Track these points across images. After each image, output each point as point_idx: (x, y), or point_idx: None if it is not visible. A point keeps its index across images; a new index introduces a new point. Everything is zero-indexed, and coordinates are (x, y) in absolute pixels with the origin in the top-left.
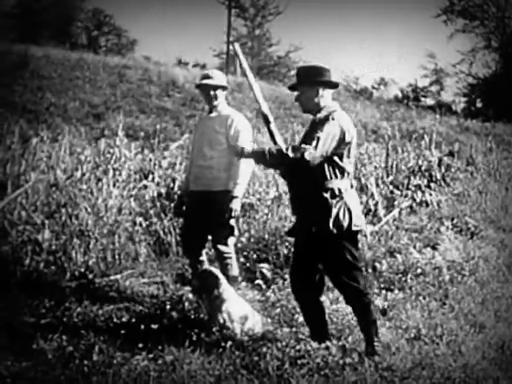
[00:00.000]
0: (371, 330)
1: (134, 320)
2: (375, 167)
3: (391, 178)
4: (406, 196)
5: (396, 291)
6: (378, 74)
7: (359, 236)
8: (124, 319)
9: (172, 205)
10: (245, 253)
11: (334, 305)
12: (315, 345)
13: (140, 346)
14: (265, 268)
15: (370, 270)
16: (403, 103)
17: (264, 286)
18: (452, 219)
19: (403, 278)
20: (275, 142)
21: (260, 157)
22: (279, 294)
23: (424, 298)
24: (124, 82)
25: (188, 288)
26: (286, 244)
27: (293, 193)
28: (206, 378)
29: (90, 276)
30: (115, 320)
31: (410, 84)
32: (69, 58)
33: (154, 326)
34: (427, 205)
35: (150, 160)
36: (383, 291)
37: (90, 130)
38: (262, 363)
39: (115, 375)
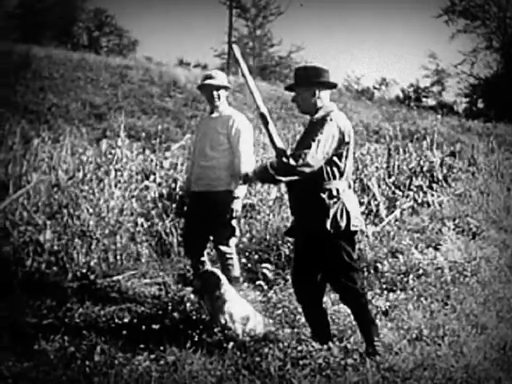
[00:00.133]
0: (370, 330)
1: (135, 320)
2: (377, 168)
3: (393, 178)
4: (407, 196)
5: (398, 292)
6: (380, 75)
7: (361, 237)
8: (126, 320)
9: (174, 205)
10: (246, 253)
11: (336, 305)
12: (317, 345)
13: (142, 346)
14: (266, 269)
15: (371, 271)
16: (405, 103)
17: (266, 287)
18: (454, 220)
19: (405, 279)
20: (274, 143)
21: (264, 174)
22: (281, 295)
23: (426, 299)
24: (126, 82)
25: (190, 289)
26: (288, 245)
27: (291, 193)
28: (208, 379)
29: (92, 277)
30: (117, 320)
31: (412, 84)
32: (70, 59)
33: (156, 327)
34: (429, 205)
35: (152, 160)
36: (385, 292)
37: (92, 131)
38: (263, 364)
39: (117, 376)
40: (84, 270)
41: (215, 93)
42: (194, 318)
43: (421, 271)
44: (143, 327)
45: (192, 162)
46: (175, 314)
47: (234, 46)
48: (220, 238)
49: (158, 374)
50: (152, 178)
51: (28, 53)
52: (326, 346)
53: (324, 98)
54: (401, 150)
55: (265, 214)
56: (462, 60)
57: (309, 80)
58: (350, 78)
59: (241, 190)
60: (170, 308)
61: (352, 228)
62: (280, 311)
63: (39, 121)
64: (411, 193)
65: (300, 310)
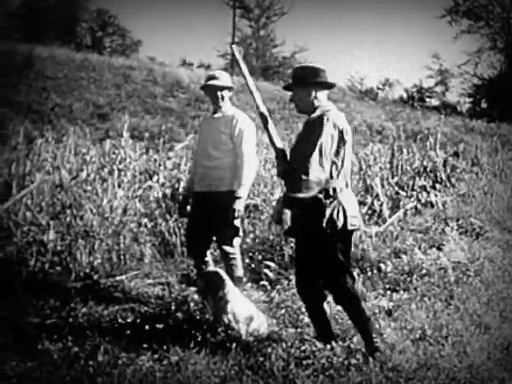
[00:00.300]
0: (367, 328)
1: (139, 320)
2: (380, 168)
3: (396, 178)
4: (411, 197)
5: (401, 292)
6: (380, 75)
7: (364, 237)
8: (129, 320)
9: (177, 205)
10: (250, 254)
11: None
12: (320, 345)
13: (145, 346)
14: (268, 268)
15: (375, 271)
16: (408, 104)
17: (269, 287)
18: (457, 220)
19: (408, 279)
20: (273, 143)
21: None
22: (284, 295)
23: (429, 299)
24: (129, 82)
25: (193, 289)
26: (291, 245)
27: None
28: (211, 379)
29: (95, 277)
30: (120, 320)
31: (415, 85)
32: (74, 59)
33: (159, 327)
34: (432, 205)
35: (155, 161)
36: (388, 292)
37: (95, 131)
38: (267, 364)
39: (120, 376)
40: (87, 270)
41: (219, 93)
42: (198, 318)
43: (424, 271)
44: (147, 327)
45: (195, 162)
46: (179, 314)
47: (234, 47)
48: (223, 238)
49: (162, 374)
50: (155, 178)
51: (31, 53)
52: (329, 346)
53: (321, 97)
54: (404, 150)
55: (268, 214)
56: (466, 60)
57: (306, 80)
58: (354, 78)
59: (243, 191)
60: (173, 308)
61: (349, 227)
62: (283, 311)
63: (42, 121)
64: (414, 193)
65: (303, 309)
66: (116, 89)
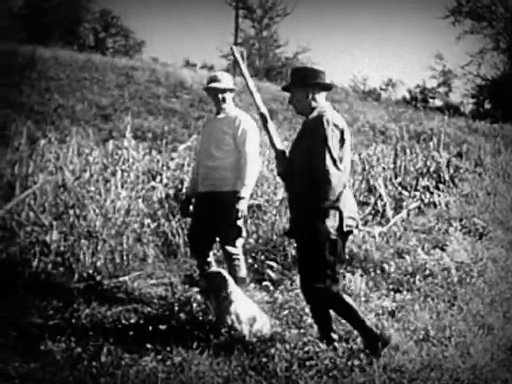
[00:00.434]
0: (359, 324)
1: (142, 321)
2: (383, 168)
3: (399, 179)
4: (414, 197)
5: (404, 292)
6: (383, 75)
7: (367, 237)
8: (132, 320)
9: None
10: (253, 254)
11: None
12: (324, 346)
13: (148, 347)
14: (270, 268)
15: (378, 271)
16: (411, 104)
17: (272, 288)
18: (460, 220)
19: (411, 279)
20: (273, 144)
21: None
22: (287, 296)
23: (432, 300)
24: (132, 83)
25: (196, 289)
26: (294, 245)
27: (289, 194)
28: (215, 379)
29: (98, 277)
30: (123, 321)
31: (418, 85)
32: (76, 60)
33: (163, 327)
34: (435, 206)
35: (158, 161)
36: (391, 292)
37: (98, 132)
38: (270, 364)
39: (123, 376)
40: (90, 271)
41: (220, 96)
42: (201, 318)
43: (427, 272)
44: (150, 328)
45: (197, 163)
46: (182, 315)
47: (234, 48)
48: (226, 239)
49: (165, 375)
50: (158, 178)
51: (34, 53)
52: (332, 347)
53: (319, 99)
54: (407, 150)
55: (271, 214)
56: (469, 61)
57: (304, 81)
58: (356, 78)
59: (246, 191)
60: (176, 309)
61: (345, 228)
62: (286, 312)
63: (45, 121)
64: (418, 193)
65: (306, 310)
66: (119, 89)
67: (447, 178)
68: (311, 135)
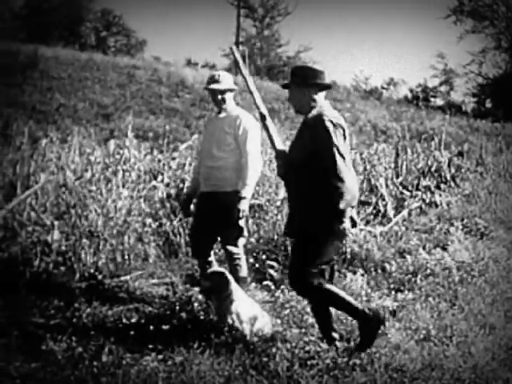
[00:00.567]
0: (352, 310)
1: (143, 321)
2: (385, 168)
3: (401, 178)
4: (415, 197)
5: (405, 292)
6: (383, 75)
7: (368, 237)
8: (133, 320)
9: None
10: (254, 254)
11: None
12: (325, 346)
13: (149, 346)
14: (272, 267)
15: (379, 271)
16: (413, 103)
17: (273, 287)
18: (462, 220)
19: (413, 279)
20: (273, 144)
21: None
22: (288, 295)
23: (433, 299)
24: (133, 82)
25: (197, 289)
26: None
27: (290, 194)
28: (216, 379)
29: (100, 277)
30: (124, 321)
31: (420, 84)
32: (78, 59)
33: (164, 327)
34: (437, 205)
35: (160, 161)
36: (393, 292)
37: (100, 131)
38: (271, 364)
39: (125, 376)
40: (92, 270)
41: (219, 96)
42: (202, 318)
43: (428, 271)
44: (151, 327)
45: (199, 163)
46: (183, 315)
47: (233, 48)
48: (228, 238)
49: (166, 375)
50: (160, 178)
51: (35, 53)
52: (333, 347)
53: (319, 98)
54: (409, 150)
55: (273, 214)
56: (471, 60)
57: (305, 81)
58: (358, 77)
59: (247, 191)
60: (177, 308)
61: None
62: (287, 311)
63: (47, 121)
64: (419, 193)
65: (308, 310)
66: (120, 89)
67: (449, 177)
68: (312, 135)
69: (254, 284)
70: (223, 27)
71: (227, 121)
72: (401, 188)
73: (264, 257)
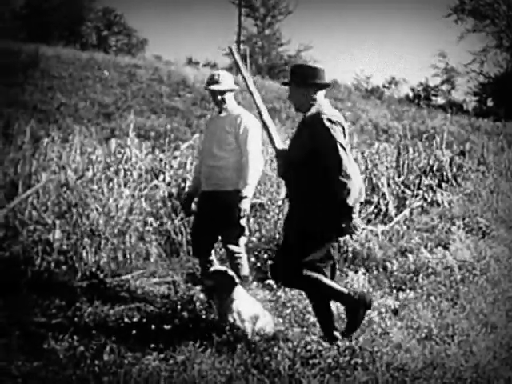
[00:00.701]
0: (339, 296)
1: (144, 320)
2: (386, 167)
3: (402, 177)
4: (417, 196)
5: (407, 291)
6: (383, 75)
7: (370, 236)
8: (135, 319)
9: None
10: (256, 252)
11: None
12: (326, 345)
13: (151, 345)
14: None
15: (381, 270)
16: (414, 102)
17: (275, 286)
18: (463, 219)
19: (414, 278)
20: (273, 143)
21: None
22: (290, 294)
23: (435, 298)
24: (134, 81)
25: (199, 288)
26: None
27: (289, 193)
28: (217, 378)
29: (101, 276)
30: (126, 320)
31: (421, 83)
32: (79, 58)
33: (165, 326)
34: (438, 204)
35: (161, 160)
36: (394, 291)
37: (101, 130)
38: (273, 363)
39: (126, 375)
40: (93, 269)
41: (219, 97)
42: (204, 317)
43: (430, 270)
44: (152, 326)
45: (200, 162)
46: (184, 314)
47: (233, 47)
48: (229, 238)
49: (168, 374)
50: (161, 177)
51: (36, 52)
52: (335, 346)
53: (318, 96)
54: (410, 149)
55: (274, 213)
56: (472, 60)
57: (304, 80)
58: (359, 77)
59: (248, 190)
60: (179, 307)
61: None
62: (289, 310)
63: (48, 120)
64: (421, 192)
65: (309, 309)
66: (122, 88)
67: (450, 176)
68: (310, 133)
69: (255, 283)
70: (224, 26)
71: (228, 120)
72: (402, 187)
73: (265, 256)
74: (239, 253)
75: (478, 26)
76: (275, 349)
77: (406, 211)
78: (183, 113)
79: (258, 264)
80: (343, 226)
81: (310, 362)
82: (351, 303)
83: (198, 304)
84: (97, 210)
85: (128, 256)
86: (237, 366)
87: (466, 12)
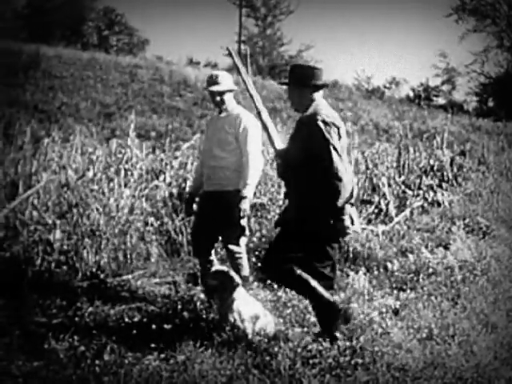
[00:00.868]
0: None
1: (145, 320)
2: (387, 167)
3: (403, 177)
4: (417, 196)
5: (408, 291)
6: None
7: (370, 235)
8: (135, 319)
9: (183, 204)
10: (256, 252)
11: (346, 305)
12: (327, 344)
13: (152, 345)
14: None
15: (381, 270)
16: (415, 103)
17: (276, 286)
18: (464, 219)
19: (415, 278)
20: (273, 144)
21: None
22: (291, 294)
23: (436, 298)
24: (135, 81)
25: (200, 288)
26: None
27: (288, 193)
28: (218, 378)
29: (102, 276)
30: (127, 320)
31: (422, 83)
32: (80, 58)
33: (166, 326)
34: (439, 204)
35: (162, 160)
36: (395, 291)
37: (102, 130)
38: (273, 363)
39: (127, 375)
40: (94, 270)
41: (218, 98)
42: (204, 317)
43: (431, 270)
44: (153, 326)
45: (201, 162)
46: (185, 314)
47: (230, 48)
48: (230, 238)
49: (168, 374)
50: (162, 177)
51: (37, 52)
52: (335, 345)
53: (316, 96)
54: (411, 149)
55: (274, 213)
56: (473, 60)
57: (302, 81)
58: (360, 77)
59: (248, 190)
60: (179, 307)
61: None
62: (290, 310)
63: (49, 120)
64: (421, 192)
65: (310, 308)
66: (123, 88)
67: (451, 176)
68: (307, 133)
69: (256, 283)
70: (225, 26)
71: (228, 120)
72: (403, 187)
73: None
74: (240, 253)
75: (478, 26)
76: (276, 349)
77: (407, 211)
78: (184, 113)
79: (259, 264)
80: (336, 226)
81: (311, 361)
82: (328, 309)
83: (198, 304)
84: (97, 210)
85: (129, 256)
86: (237, 366)
87: (467, 12)
